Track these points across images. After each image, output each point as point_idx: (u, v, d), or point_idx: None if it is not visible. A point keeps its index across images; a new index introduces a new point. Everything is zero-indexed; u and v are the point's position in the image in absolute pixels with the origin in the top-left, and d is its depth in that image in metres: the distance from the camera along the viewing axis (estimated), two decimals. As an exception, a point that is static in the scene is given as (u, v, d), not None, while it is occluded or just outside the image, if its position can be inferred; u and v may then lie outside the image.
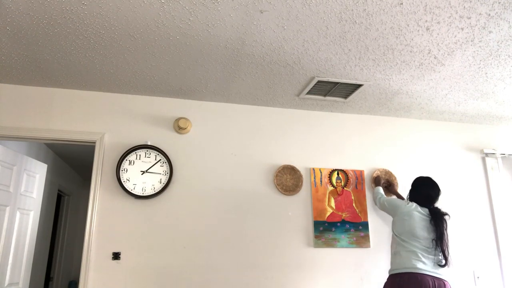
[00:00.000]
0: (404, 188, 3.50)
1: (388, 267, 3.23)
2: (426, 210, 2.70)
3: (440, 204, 3.52)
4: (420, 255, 2.56)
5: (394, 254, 2.70)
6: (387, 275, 3.25)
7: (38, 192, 3.84)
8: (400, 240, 2.67)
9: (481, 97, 3.26)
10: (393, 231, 2.78)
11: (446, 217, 2.68)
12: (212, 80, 2.97)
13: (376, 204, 3.19)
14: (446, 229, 2.63)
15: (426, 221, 2.64)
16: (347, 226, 3.28)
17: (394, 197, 3.33)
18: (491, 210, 3.66)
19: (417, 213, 2.67)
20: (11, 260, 3.36)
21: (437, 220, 2.63)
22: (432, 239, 2.59)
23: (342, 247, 3.23)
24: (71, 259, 6.25)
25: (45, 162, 4.55)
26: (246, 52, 2.56)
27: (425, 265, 2.53)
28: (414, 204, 2.74)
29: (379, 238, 3.32)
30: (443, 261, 2.56)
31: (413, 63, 2.70)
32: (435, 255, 2.58)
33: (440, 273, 2.54)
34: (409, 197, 2.87)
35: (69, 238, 6.08)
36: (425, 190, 2.77)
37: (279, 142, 3.39)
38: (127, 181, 2.97)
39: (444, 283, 2.50)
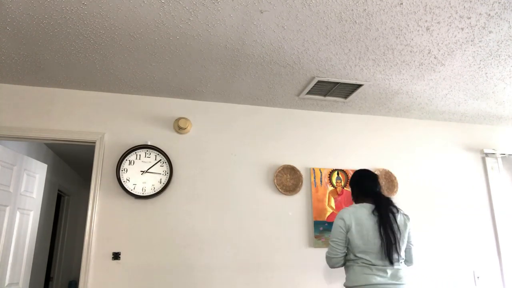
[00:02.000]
0: (403, 188, 3.51)
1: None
2: (369, 206, 2.26)
3: (440, 204, 3.55)
4: (373, 268, 2.15)
5: (348, 268, 2.29)
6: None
7: (38, 192, 3.84)
8: (352, 253, 2.25)
9: (481, 97, 3.26)
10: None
11: (392, 211, 2.24)
12: (212, 80, 2.97)
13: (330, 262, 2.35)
14: (390, 221, 2.18)
15: (371, 222, 2.19)
16: (347, 226, 3.28)
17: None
18: (491, 210, 3.66)
19: (357, 221, 2.21)
20: (11, 260, 3.36)
21: (381, 212, 2.19)
22: (381, 243, 2.14)
23: (342, 247, 3.23)
24: (71, 259, 6.25)
25: (45, 162, 4.55)
26: (246, 52, 2.56)
27: (382, 278, 2.13)
28: (350, 210, 2.26)
29: (379, 238, 3.32)
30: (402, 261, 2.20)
31: (413, 63, 2.70)
32: (391, 262, 2.14)
33: (401, 282, 2.14)
34: (352, 195, 2.46)
35: (69, 238, 6.08)
36: (368, 183, 2.37)
37: (279, 142, 3.39)
38: (127, 181, 2.97)
39: None
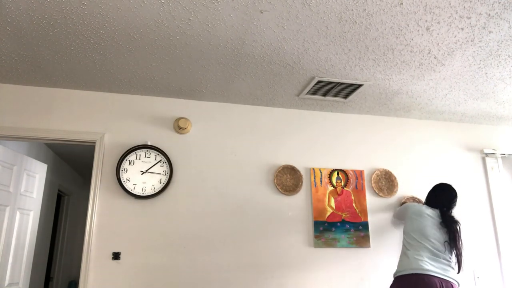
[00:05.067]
0: (403, 188, 3.51)
1: (389, 267, 3.24)
2: (438, 211, 2.71)
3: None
4: (427, 256, 2.50)
5: (401, 256, 2.66)
6: (387, 275, 3.26)
7: (38, 192, 3.84)
8: (409, 239, 2.64)
9: (481, 97, 3.26)
10: (403, 233, 2.76)
11: (458, 224, 2.65)
12: (212, 80, 2.97)
13: (394, 217, 3.32)
14: (459, 233, 2.60)
15: (437, 221, 2.64)
16: (347, 226, 3.28)
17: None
18: (491, 210, 3.66)
19: (428, 213, 2.69)
20: (11, 260, 3.36)
21: (448, 222, 2.61)
22: (444, 241, 2.56)
23: (342, 247, 3.23)
24: (71, 259, 6.25)
25: (45, 162, 4.55)
26: (246, 52, 2.56)
27: (433, 267, 2.45)
28: (424, 205, 2.78)
29: (379, 238, 3.32)
30: (456, 266, 2.51)
31: (413, 63, 2.70)
32: (445, 258, 2.53)
33: (449, 275, 2.46)
34: (425, 201, 2.92)
35: (69, 238, 6.07)
36: (439, 194, 2.81)
37: (279, 142, 3.39)
38: (127, 181, 2.97)
39: (452, 285, 2.42)
